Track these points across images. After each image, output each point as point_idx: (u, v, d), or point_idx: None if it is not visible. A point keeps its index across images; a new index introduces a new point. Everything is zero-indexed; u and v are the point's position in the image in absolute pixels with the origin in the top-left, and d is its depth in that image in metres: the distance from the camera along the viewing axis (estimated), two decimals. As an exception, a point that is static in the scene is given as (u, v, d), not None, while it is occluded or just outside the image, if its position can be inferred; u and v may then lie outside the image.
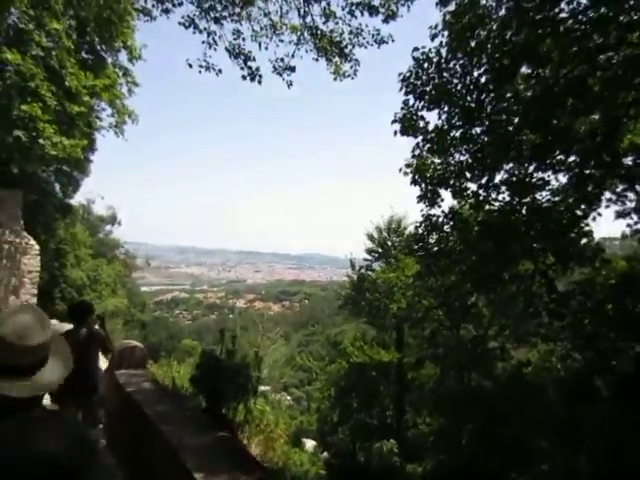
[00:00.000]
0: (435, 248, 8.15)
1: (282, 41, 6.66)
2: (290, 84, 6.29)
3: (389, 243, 13.17)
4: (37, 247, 10.96)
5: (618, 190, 7.63)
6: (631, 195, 7.66)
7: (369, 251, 13.50)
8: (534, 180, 7.18)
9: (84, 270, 19.73)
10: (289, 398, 39.54)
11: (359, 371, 12.02)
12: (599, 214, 7.26)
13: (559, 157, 6.90)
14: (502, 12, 6.75)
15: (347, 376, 12.45)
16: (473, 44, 6.77)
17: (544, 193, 7.31)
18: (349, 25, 6.54)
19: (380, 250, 13.27)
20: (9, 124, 9.77)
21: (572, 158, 7.04)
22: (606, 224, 8.68)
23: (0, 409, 1.22)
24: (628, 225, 8.24)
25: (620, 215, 8.16)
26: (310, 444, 16.34)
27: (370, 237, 13.38)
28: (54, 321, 10.35)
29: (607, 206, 7.78)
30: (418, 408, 13.68)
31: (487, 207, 7.36)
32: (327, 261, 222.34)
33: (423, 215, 8.02)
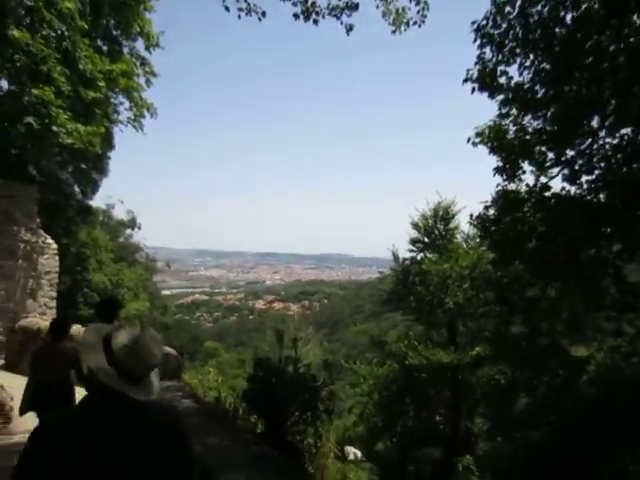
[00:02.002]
0: (512, 232, 6.93)
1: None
2: (350, 28, 5.10)
3: (436, 232, 11.91)
4: (55, 246, 10.01)
5: None
6: None
7: (414, 241, 12.24)
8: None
9: (106, 274, 19.19)
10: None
11: (411, 374, 10.80)
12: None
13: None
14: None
15: (396, 379, 11.25)
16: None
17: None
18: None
19: (427, 240, 12.02)
20: (20, 110, 8.81)
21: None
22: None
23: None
24: None
25: None
26: (351, 451, 15.17)
27: (415, 225, 12.12)
28: (78, 326, 9.45)
29: None
30: (472, 413, 12.41)
31: (585, 178, 6.09)
32: (345, 260, 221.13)
33: (498, 192, 6.82)
